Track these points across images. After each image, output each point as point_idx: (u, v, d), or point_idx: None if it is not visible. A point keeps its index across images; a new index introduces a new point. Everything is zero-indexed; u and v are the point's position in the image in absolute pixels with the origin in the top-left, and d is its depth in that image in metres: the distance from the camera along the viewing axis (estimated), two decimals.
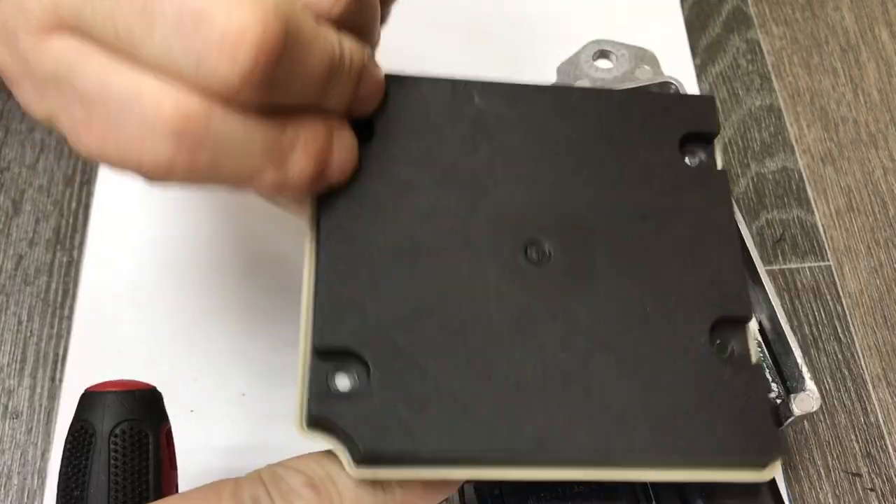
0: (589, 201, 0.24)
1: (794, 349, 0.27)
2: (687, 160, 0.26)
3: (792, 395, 0.27)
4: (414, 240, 0.23)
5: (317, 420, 0.22)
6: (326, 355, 0.22)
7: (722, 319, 0.24)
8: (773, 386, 0.28)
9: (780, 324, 0.28)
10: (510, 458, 0.22)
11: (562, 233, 0.24)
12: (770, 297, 0.28)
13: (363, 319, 0.22)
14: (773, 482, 0.27)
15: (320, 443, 0.22)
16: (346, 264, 0.23)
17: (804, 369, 0.27)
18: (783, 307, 0.36)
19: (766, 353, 0.29)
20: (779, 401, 0.28)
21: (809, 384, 0.27)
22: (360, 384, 0.22)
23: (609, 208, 0.24)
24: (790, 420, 0.27)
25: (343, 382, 0.22)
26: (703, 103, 0.27)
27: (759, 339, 0.29)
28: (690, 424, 0.22)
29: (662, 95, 0.30)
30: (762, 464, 0.23)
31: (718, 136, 0.26)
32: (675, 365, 0.23)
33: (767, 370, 0.28)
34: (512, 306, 0.23)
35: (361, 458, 0.22)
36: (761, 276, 0.29)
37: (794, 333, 0.28)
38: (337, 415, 0.22)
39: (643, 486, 0.28)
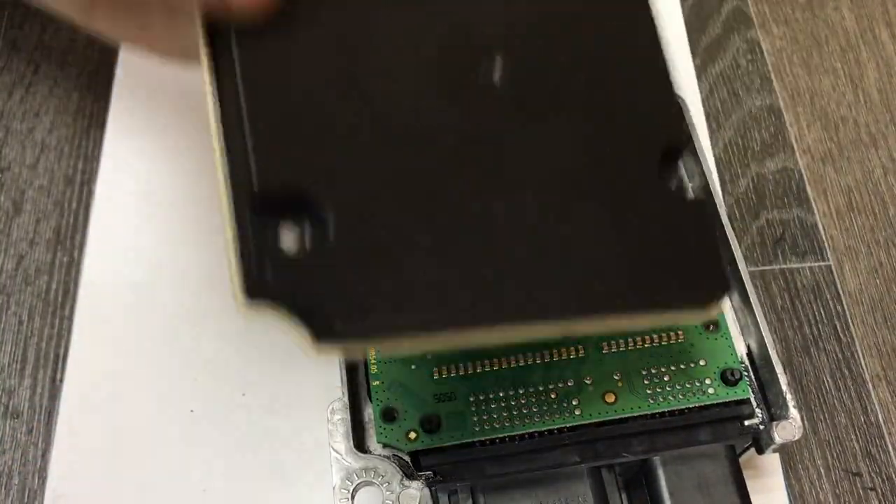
0: (526, 34, 0.23)
1: (779, 376, 0.27)
2: None
3: (774, 423, 0.27)
4: (344, 66, 0.20)
5: (262, 289, 0.18)
6: (267, 204, 0.18)
7: (665, 151, 0.22)
8: (758, 412, 0.28)
9: (767, 350, 0.28)
10: (478, 319, 0.19)
11: (506, 57, 0.22)
12: (760, 322, 0.28)
13: (309, 158, 0.19)
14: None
15: (265, 317, 0.18)
16: (272, 98, 0.19)
17: (788, 397, 0.27)
18: (786, 308, 0.36)
19: (752, 378, 0.29)
20: (761, 427, 0.28)
21: (793, 412, 0.27)
22: (313, 240, 0.18)
23: (546, 41, 0.23)
24: (772, 447, 0.27)
25: (290, 238, 0.18)
26: None
27: (747, 363, 0.29)
28: (640, 267, 0.21)
29: None
30: (704, 302, 0.22)
31: None
32: (628, 205, 0.22)
33: (753, 396, 0.28)
34: (460, 139, 0.21)
35: (324, 334, 0.18)
36: (752, 300, 0.29)
37: (781, 361, 0.28)
38: (291, 281, 0.18)
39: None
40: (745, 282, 0.29)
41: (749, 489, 0.27)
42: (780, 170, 0.40)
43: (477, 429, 0.27)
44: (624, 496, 0.29)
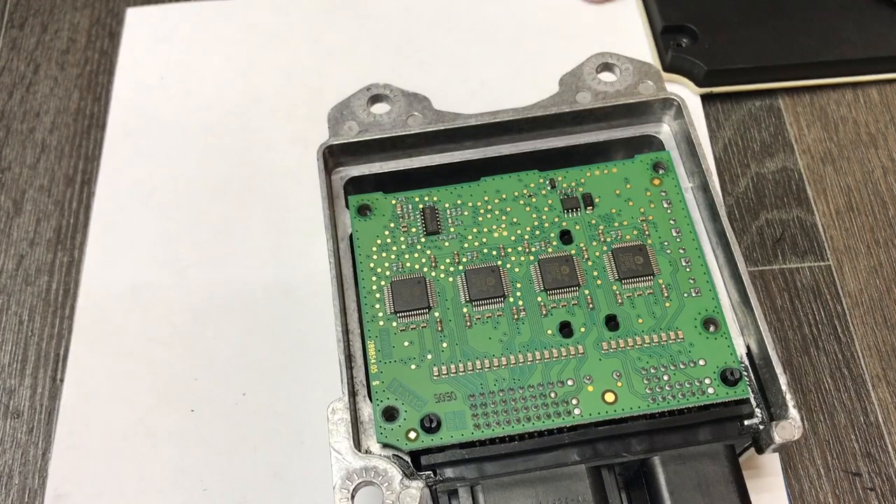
0: None
1: (779, 376, 0.27)
2: None
3: (774, 423, 0.27)
4: None
5: None
6: None
7: None
8: (757, 412, 0.28)
9: (767, 350, 0.28)
10: None
11: None
12: (759, 322, 0.28)
13: None
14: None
15: None
16: None
17: (788, 397, 0.27)
18: (786, 308, 0.36)
19: (752, 378, 0.29)
20: (761, 427, 0.28)
21: (793, 412, 0.27)
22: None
23: None
24: (772, 447, 0.27)
25: None
26: None
27: (746, 363, 0.29)
28: None
29: None
30: None
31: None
32: None
33: (752, 395, 0.28)
34: None
35: None
36: (752, 300, 0.29)
37: (781, 361, 0.28)
38: None
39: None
40: (745, 282, 0.29)
41: (749, 489, 0.27)
42: (780, 169, 0.40)
43: (477, 428, 0.27)
44: (624, 496, 0.29)
